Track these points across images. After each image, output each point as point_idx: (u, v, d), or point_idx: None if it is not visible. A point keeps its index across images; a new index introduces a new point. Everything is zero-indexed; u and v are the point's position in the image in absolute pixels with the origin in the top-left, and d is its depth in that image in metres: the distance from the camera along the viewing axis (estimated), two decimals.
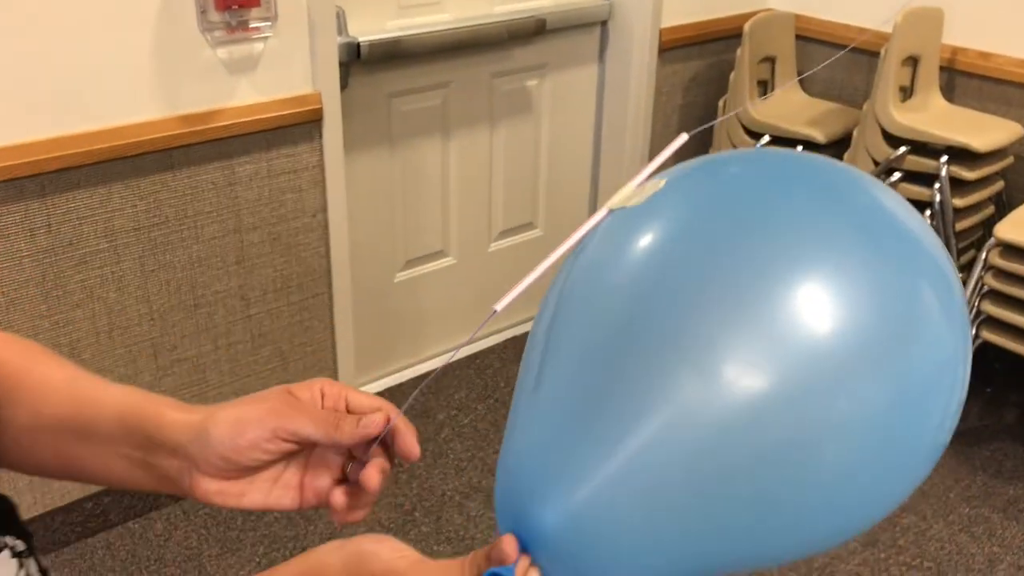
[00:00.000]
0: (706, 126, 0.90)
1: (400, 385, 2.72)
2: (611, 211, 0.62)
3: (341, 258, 2.32)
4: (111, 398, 0.64)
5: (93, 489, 2.09)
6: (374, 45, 2.26)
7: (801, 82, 2.99)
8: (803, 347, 0.53)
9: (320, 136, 2.17)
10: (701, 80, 2.98)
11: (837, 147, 2.67)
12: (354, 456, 0.64)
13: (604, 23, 2.81)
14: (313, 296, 2.30)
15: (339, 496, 0.63)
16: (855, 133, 2.64)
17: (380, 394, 2.46)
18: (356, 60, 2.24)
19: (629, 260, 0.58)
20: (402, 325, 2.73)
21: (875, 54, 2.60)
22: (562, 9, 2.67)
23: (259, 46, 2.02)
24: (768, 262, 0.55)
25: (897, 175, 2.57)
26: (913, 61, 2.63)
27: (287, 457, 0.63)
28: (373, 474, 0.61)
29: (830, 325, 0.53)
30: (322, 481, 0.64)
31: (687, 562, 0.55)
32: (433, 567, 0.57)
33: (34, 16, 1.73)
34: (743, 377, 0.52)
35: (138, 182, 1.95)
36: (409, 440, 0.62)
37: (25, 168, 1.80)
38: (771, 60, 2.89)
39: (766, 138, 2.75)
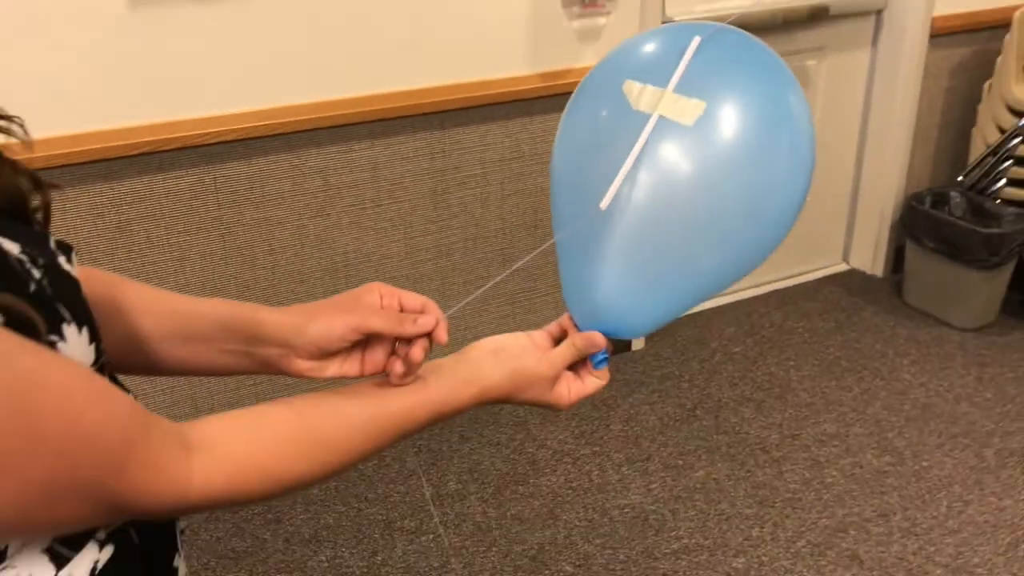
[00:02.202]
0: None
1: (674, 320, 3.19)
2: (660, 117, 0.85)
3: None
4: (207, 308, 0.84)
5: None
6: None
7: None
8: (720, 144, 0.84)
9: None
10: (968, 65, 3.26)
11: None
12: (401, 340, 0.83)
13: (880, 11, 3.16)
14: None
15: (398, 366, 0.81)
16: None
17: (675, 324, 2.93)
18: None
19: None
20: None
21: None
22: None
23: (601, 20, 2.56)
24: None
25: None
26: None
27: (356, 343, 0.82)
28: (419, 351, 0.80)
29: (736, 130, 0.84)
30: (379, 357, 0.82)
31: (674, 298, 0.89)
32: (551, 355, 0.87)
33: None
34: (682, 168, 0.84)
35: (506, 124, 2.54)
36: (441, 332, 0.82)
37: (430, 106, 2.42)
38: None
39: None
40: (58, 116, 2.03)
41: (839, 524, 2.25)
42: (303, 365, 0.81)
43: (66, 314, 0.63)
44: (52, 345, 0.60)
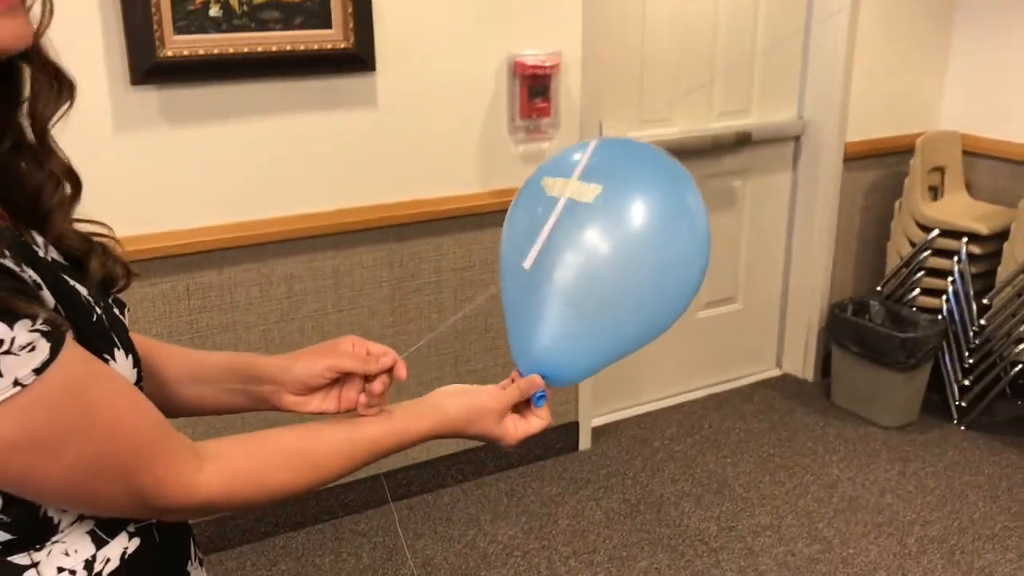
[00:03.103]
0: None
1: (619, 421, 3.36)
2: (568, 200, 1.05)
3: None
4: (216, 356, 1.05)
5: None
6: None
7: (966, 186, 3.54)
8: (632, 232, 1.04)
9: None
10: (880, 186, 3.58)
11: (998, 239, 3.19)
12: (368, 380, 1.00)
13: (798, 137, 3.49)
14: None
15: (362, 398, 0.98)
16: (1012, 226, 3.16)
17: (606, 426, 3.09)
18: None
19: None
20: (624, 373, 3.40)
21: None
22: (764, 125, 3.38)
23: (545, 145, 2.82)
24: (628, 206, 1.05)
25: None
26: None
27: (334, 382, 1.01)
28: (378, 385, 0.98)
29: (645, 223, 1.04)
30: (352, 394, 1.01)
31: (599, 354, 1.07)
32: (500, 394, 1.04)
33: (425, 115, 2.59)
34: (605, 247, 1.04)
35: (459, 236, 2.76)
36: (400, 370, 1.00)
37: (390, 220, 2.63)
38: (940, 169, 3.47)
39: (936, 231, 3.30)
40: None
41: None
42: (290, 400, 1.00)
43: (117, 342, 0.82)
44: (105, 362, 0.79)
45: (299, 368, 0.99)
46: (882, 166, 3.56)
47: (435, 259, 2.75)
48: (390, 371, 0.99)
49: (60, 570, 0.79)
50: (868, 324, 3.33)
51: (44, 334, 0.70)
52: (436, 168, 2.67)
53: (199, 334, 2.46)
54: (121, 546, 0.84)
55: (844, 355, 3.42)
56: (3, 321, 0.68)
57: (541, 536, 2.71)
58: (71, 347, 0.73)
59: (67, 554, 0.80)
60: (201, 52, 2.22)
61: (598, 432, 3.26)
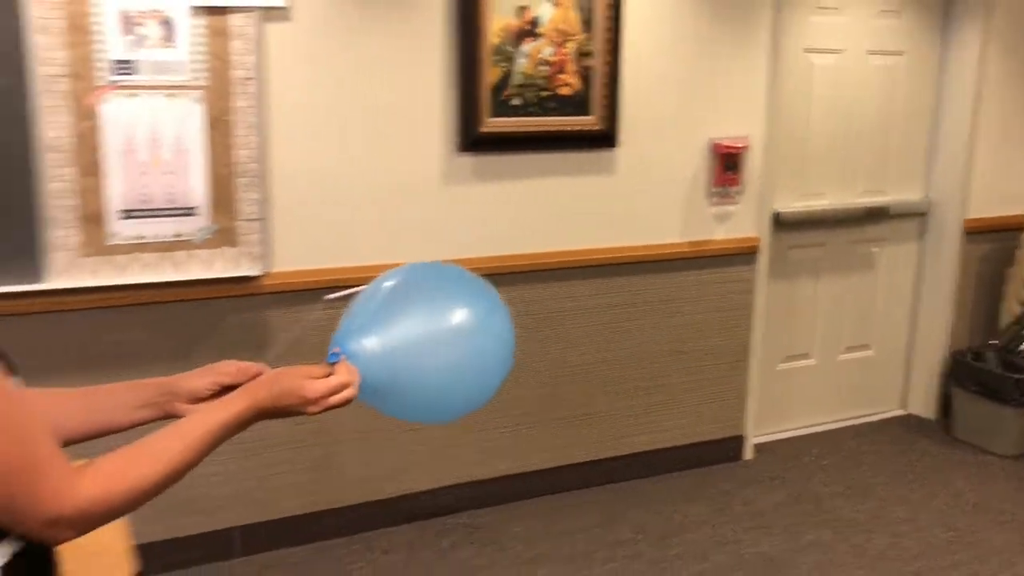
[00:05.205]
0: None
1: (773, 441, 4.05)
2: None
3: (757, 338, 3.78)
4: (120, 384, 1.26)
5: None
6: (785, 214, 3.81)
7: None
8: (446, 325, 1.30)
9: (755, 262, 3.70)
10: (994, 256, 4.28)
11: None
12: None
13: (924, 213, 4.23)
14: (734, 362, 3.75)
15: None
16: None
17: (763, 444, 3.81)
18: (776, 222, 3.79)
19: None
20: (778, 402, 4.10)
21: None
22: (898, 202, 4.13)
23: (731, 208, 3.61)
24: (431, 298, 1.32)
25: None
26: None
27: (218, 393, 1.23)
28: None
29: (455, 323, 1.30)
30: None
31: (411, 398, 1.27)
32: (295, 367, 1.19)
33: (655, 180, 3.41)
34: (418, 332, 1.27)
35: (663, 275, 3.54)
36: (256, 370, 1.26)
37: (616, 259, 3.43)
38: None
39: None
40: (394, 252, 3.05)
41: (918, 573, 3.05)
42: (181, 408, 1.24)
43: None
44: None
45: (191, 384, 1.25)
46: (996, 240, 4.26)
47: (643, 291, 3.53)
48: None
49: None
50: (986, 367, 4.00)
51: None
52: (651, 221, 3.48)
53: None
54: (8, 551, 1.01)
55: (964, 394, 4.07)
56: None
57: (724, 514, 3.41)
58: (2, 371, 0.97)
59: None
60: (505, 130, 3.09)
61: (757, 448, 3.95)
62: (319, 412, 1.17)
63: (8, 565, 1.00)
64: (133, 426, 1.25)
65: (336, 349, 1.21)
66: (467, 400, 1.33)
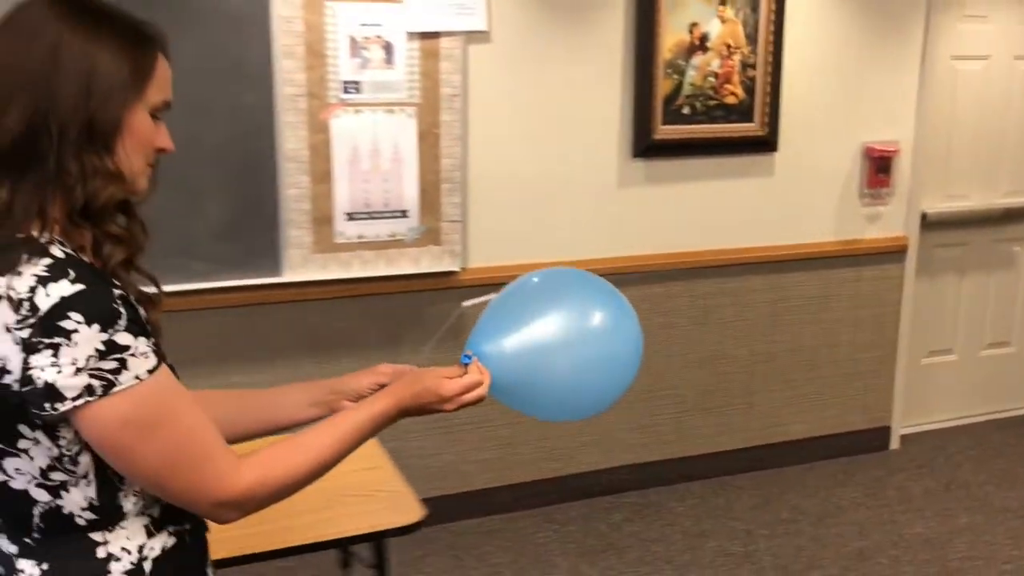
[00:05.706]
0: None
1: (918, 432, 4.21)
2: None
3: (904, 333, 3.94)
4: (293, 385, 1.40)
5: None
6: (932, 214, 3.97)
7: None
8: (575, 329, 1.37)
9: (903, 261, 3.87)
10: None
11: None
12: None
13: None
14: (882, 356, 3.93)
15: None
16: None
17: (908, 435, 3.96)
18: (924, 221, 3.95)
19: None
20: (924, 395, 4.25)
21: None
22: None
23: (882, 208, 3.80)
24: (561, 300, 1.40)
25: None
26: None
27: (378, 389, 1.31)
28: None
29: (588, 326, 1.38)
30: None
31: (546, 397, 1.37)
32: (430, 369, 1.30)
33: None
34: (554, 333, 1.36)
35: (817, 272, 3.75)
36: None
37: (772, 256, 3.65)
38: None
39: None
40: (574, 249, 3.34)
41: None
42: (347, 406, 1.32)
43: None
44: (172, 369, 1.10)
45: (353, 383, 1.36)
46: None
47: (798, 287, 3.74)
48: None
49: (122, 549, 1.07)
50: None
51: (153, 350, 1.03)
52: (807, 221, 3.69)
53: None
54: (163, 541, 1.12)
55: None
56: (141, 335, 1.00)
57: (877, 498, 3.60)
58: (164, 364, 1.05)
59: (128, 538, 1.08)
60: (676, 137, 3.36)
61: (903, 438, 4.12)
62: (454, 409, 1.27)
63: (158, 559, 1.11)
64: (304, 423, 1.33)
65: (468, 352, 1.32)
66: (595, 402, 1.41)
